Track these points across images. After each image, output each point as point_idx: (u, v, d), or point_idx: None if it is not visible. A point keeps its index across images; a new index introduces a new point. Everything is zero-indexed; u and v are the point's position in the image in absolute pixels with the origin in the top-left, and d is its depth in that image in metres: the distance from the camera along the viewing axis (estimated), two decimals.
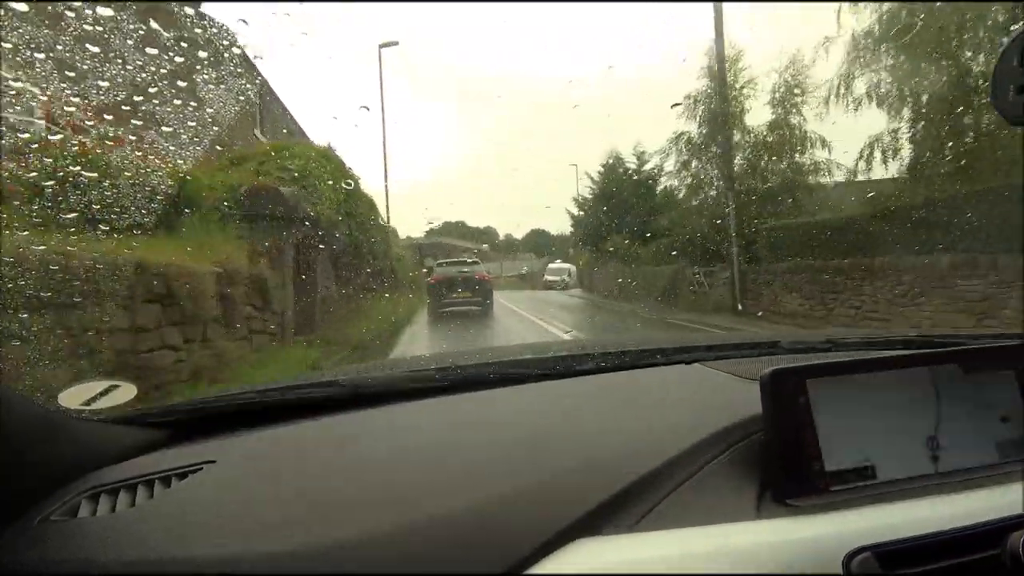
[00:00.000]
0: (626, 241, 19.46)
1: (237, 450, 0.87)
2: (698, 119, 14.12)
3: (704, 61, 13.91)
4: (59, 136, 3.40)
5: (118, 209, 3.41)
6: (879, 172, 10.47)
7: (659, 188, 19.69)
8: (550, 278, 30.58)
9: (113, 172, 3.51)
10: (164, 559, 0.61)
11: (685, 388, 1.02)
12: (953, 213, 7.54)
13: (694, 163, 14.60)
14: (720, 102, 13.21)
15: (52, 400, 0.91)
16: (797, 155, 13.10)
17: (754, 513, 0.65)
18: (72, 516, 0.72)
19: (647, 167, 21.07)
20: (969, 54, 8.46)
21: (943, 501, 0.66)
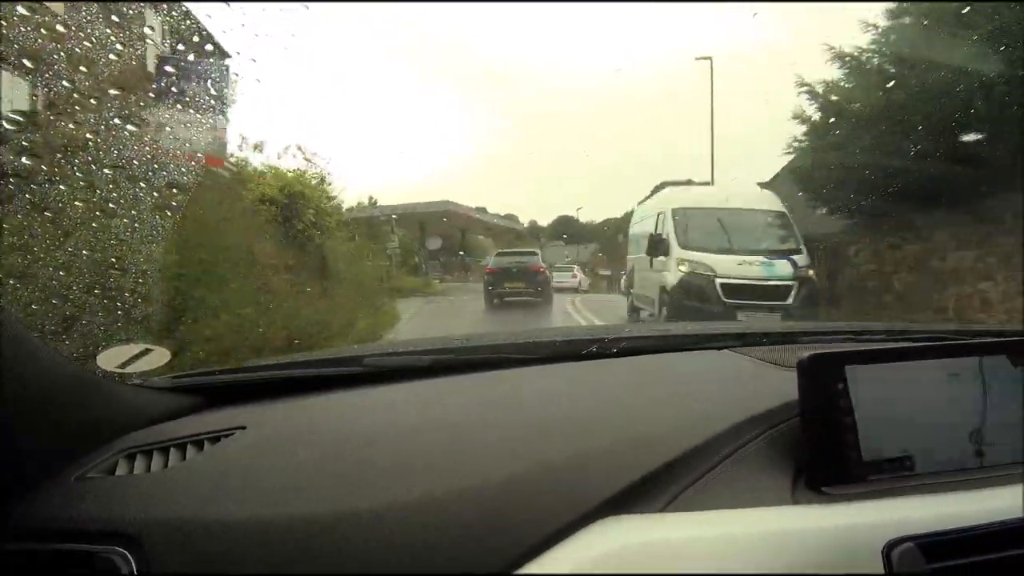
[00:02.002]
0: None
1: (267, 418, 0.89)
2: None
3: None
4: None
5: None
6: None
7: None
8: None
9: None
10: (196, 519, 0.63)
11: (716, 373, 1.02)
12: None
13: None
14: None
15: (91, 361, 0.94)
16: None
17: (788, 500, 0.64)
18: (109, 474, 0.74)
19: None
20: None
21: (983, 495, 0.65)
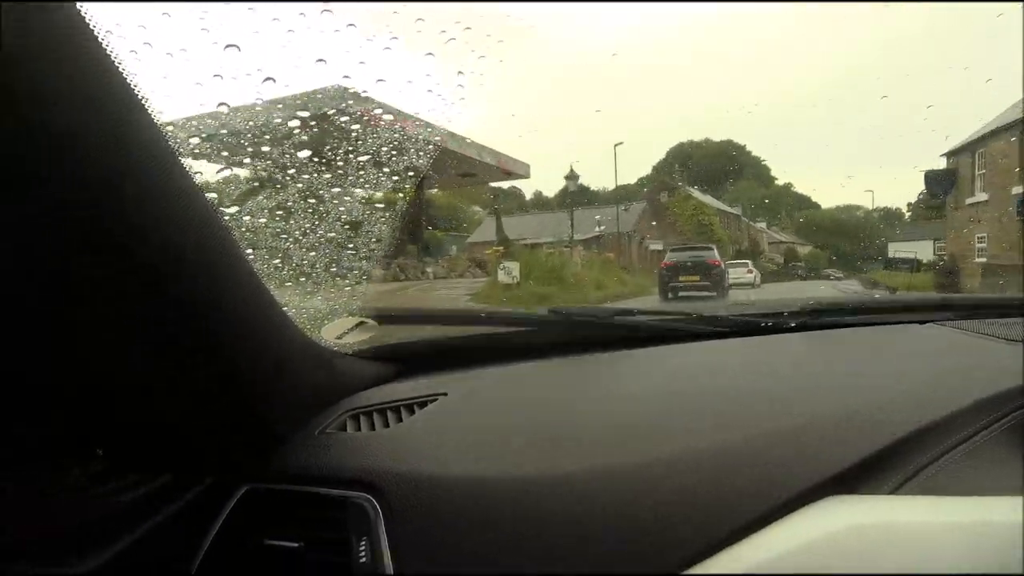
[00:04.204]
0: None
1: (465, 384, 0.95)
2: None
3: None
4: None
5: None
6: None
7: None
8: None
9: None
10: (422, 473, 0.68)
11: (930, 348, 0.91)
12: None
13: None
14: None
15: (317, 332, 1.06)
16: None
17: None
18: (342, 431, 0.84)
19: None
20: None
21: None
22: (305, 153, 1.17)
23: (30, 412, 0.61)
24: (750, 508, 0.54)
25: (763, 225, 35.76)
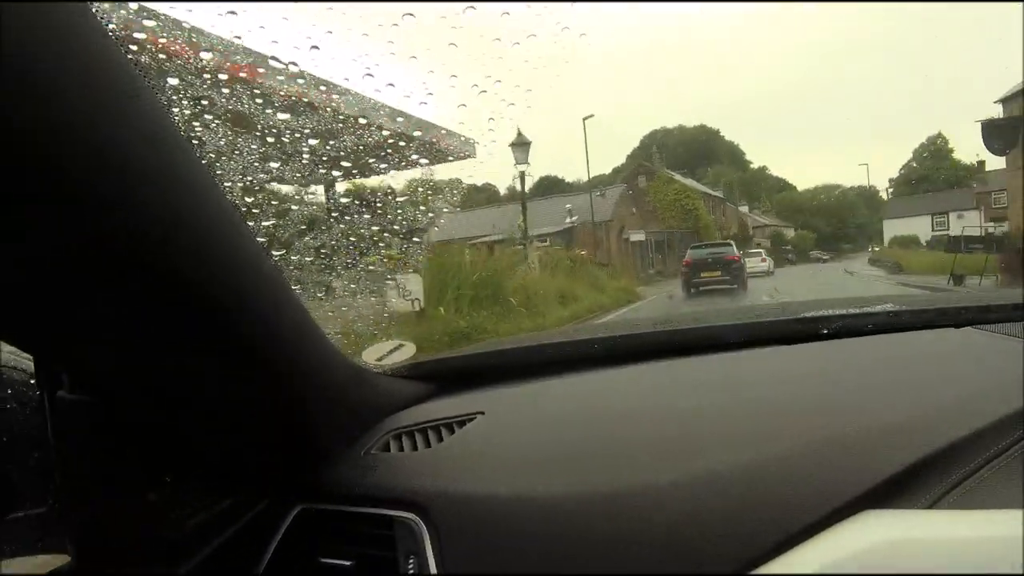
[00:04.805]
0: None
1: (501, 402, 0.94)
2: None
3: None
4: None
5: None
6: None
7: None
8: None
9: None
10: (466, 492, 0.69)
11: (965, 355, 0.88)
12: None
13: None
14: None
15: (358, 356, 1.07)
16: None
17: None
18: (385, 451, 0.84)
19: None
20: None
21: None
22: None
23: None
24: (784, 525, 0.54)
25: (745, 208, 35.82)
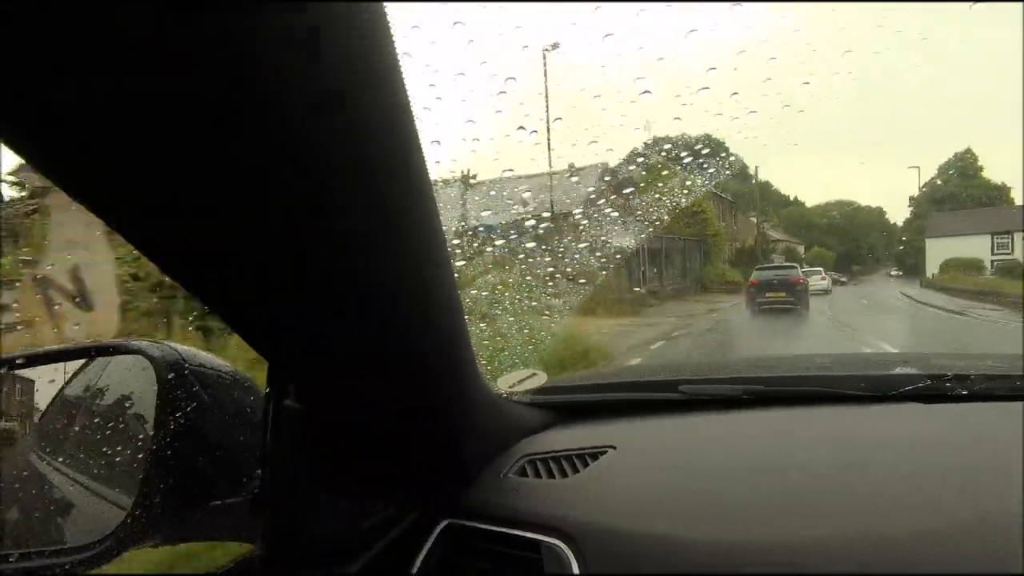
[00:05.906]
0: None
1: (631, 437, 0.94)
2: None
3: None
4: None
5: None
6: None
7: None
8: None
9: None
10: (617, 527, 0.70)
11: None
12: None
13: None
14: None
15: (494, 383, 1.07)
16: None
17: None
18: (522, 476, 0.85)
19: None
20: None
21: None
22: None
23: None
24: None
25: (753, 220, 35.28)
